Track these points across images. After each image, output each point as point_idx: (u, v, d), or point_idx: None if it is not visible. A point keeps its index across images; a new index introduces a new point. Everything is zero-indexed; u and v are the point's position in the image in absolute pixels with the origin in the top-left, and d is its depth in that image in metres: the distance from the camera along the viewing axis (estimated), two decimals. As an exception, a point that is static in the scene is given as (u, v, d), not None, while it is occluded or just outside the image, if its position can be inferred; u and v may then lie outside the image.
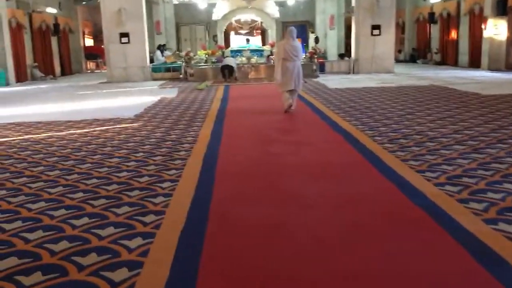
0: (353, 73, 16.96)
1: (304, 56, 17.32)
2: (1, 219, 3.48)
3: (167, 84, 15.32)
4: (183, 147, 5.66)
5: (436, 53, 21.62)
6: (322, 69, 17.06)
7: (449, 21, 20.61)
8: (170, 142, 5.97)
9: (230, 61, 15.58)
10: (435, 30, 22.30)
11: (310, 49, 17.26)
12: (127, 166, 4.87)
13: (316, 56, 16.87)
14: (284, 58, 8.14)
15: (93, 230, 3.20)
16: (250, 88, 13.43)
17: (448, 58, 20.82)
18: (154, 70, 17.57)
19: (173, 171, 4.62)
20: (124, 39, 16.41)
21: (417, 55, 23.91)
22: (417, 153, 5.03)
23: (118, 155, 5.38)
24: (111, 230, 3.20)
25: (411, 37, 24.65)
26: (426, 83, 12.72)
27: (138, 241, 3.01)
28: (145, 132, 6.78)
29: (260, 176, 4.43)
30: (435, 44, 22.25)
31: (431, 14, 21.84)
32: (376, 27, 16.68)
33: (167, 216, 3.42)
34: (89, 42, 25.89)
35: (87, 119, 8.18)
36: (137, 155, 5.35)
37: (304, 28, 26.75)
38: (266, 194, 3.90)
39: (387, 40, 16.83)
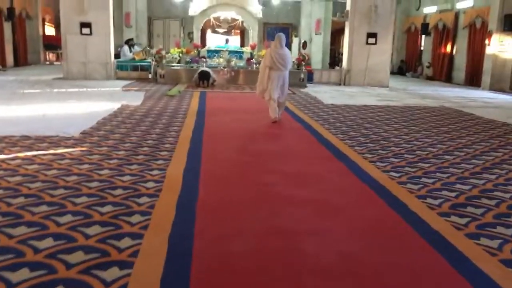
0: (344, 84, 15.20)
1: (293, 62, 15.53)
2: None
3: (132, 85, 13.14)
4: (139, 206, 3.61)
5: (428, 67, 20.15)
6: (310, 78, 15.23)
7: (445, 33, 19.15)
8: (120, 194, 3.91)
9: (205, 69, 13.66)
10: (427, 43, 20.85)
11: (297, 55, 15.39)
12: (34, 252, 2.80)
13: (304, 64, 15.02)
14: (270, 67, 7.43)
15: None
16: (230, 98, 11.42)
17: (441, 73, 19.35)
18: (120, 67, 15.34)
19: (112, 273, 2.59)
20: (85, 30, 14.15)
21: (405, 67, 22.45)
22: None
23: (28, 219, 3.29)
24: None
25: (399, 48, 23.15)
26: (435, 104, 11.02)
27: None
28: (87, 166, 4.69)
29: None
30: (426, 57, 20.79)
31: (425, 25, 20.37)
32: (372, 35, 14.96)
33: None
34: (50, 31, 23.31)
35: (13, 135, 6.00)
36: (61, 221, 3.27)
37: (286, 32, 24.95)
38: None
39: (383, 51, 15.14)
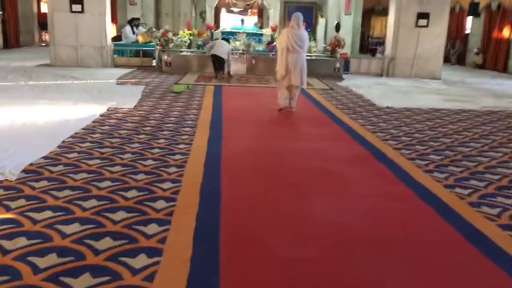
0: (387, 76, 12.57)
1: (324, 47, 12.95)
2: None
3: (131, 75, 10.69)
4: None
5: (477, 53, 17.34)
6: (345, 67, 12.62)
7: (500, 15, 16.31)
8: None
9: (221, 50, 10.50)
10: (476, 25, 18.00)
11: (331, 40, 12.75)
12: None
13: (339, 50, 12.42)
14: (287, 48, 6.91)
15: None
16: (253, 95, 8.90)
17: (494, 61, 16.57)
18: (118, 52, 12.86)
19: None
20: (76, 7, 11.68)
21: (447, 53, 19.62)
22: None
23: None
24: None
25: (440, 31, 20.27)
26: (520, 107, 8.44)
27: None
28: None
29: None
30: (474, 42, 17.98)
31: (474, 5, 17.54)
32: (423, 15, 12.26)
33: None
34: (46, 8, 20.84)
35: None
36: None
37: (310, 12, 22.28)
38: None
39: (436, 35, 12.43)
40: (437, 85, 11.10)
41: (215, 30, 15.11)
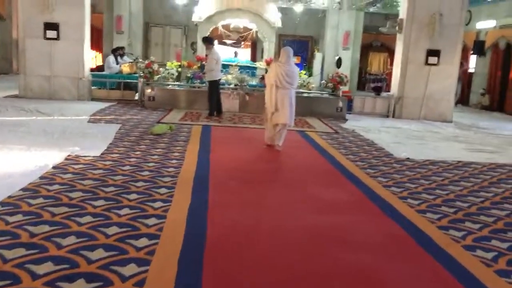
0: (393, 117, 11.42)
1: (325, 83, 11.79)
2: None
3: (107, 112, 9.36)
4: None
5: (482, 94, 16.34)
6: (348, 107, 11.46)
7: (510, 54, 15.41)
8: None
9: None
10: (481, 65, 17.08)
11: (332, 75, 11.58)
12: None
13: (341, 88, 11.28)
14: (276, 84, 6.45)
15: None
16: (246, 140, 7.61)
17: (502, 102, 15.56)
18: (98, 84, 11.60)
19: None
20: (51, 33, 10.44)
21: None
22: None
23: None
24: None
25: (442, 69, 19.36)
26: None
27: None
28: None
29: None
30: (479, 82, 17.02)
31: (479, 43, 16.65)
32: (433, 52, 11.20)
33: None
34: (28, 34, 19.68)
35: None
36: None
37: (306, 45, 21.39)
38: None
39: (447, 74, 11.35)
40: (452, 130, 9.93)
41: (205, 62, 13.97)
